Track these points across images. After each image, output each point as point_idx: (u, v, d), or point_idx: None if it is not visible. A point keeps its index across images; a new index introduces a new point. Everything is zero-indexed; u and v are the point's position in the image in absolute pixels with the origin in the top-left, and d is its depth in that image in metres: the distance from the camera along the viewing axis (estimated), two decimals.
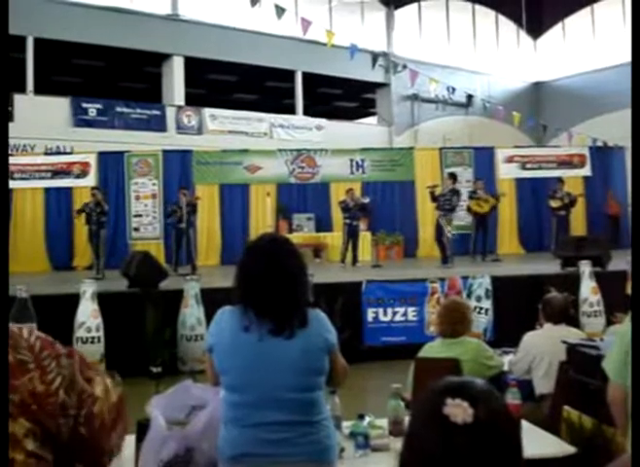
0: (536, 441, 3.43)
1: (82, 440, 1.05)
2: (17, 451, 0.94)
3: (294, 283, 2.63)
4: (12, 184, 15.10)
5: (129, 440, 3.14)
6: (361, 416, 3.45)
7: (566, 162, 17.52)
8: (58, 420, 1.01)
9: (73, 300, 8.77)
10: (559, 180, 15.01)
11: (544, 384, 4.63)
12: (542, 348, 4.72)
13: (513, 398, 3.46)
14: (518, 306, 8.97)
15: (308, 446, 2.54)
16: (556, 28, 28.18)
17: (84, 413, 1.07)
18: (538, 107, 27.56)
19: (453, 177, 13.82)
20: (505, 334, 6.22)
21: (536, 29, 28.42)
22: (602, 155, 17.92)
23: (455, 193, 13.31)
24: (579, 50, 26.72)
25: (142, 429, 2.98)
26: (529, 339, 4.89)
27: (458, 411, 1.25)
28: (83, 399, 1.07)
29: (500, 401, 1.32)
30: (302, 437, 2.53)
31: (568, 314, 5.13)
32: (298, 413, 2.55)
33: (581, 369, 4.07)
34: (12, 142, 17.73)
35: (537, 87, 28.52)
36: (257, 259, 2.65)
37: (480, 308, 9.53)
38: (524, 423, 3.50)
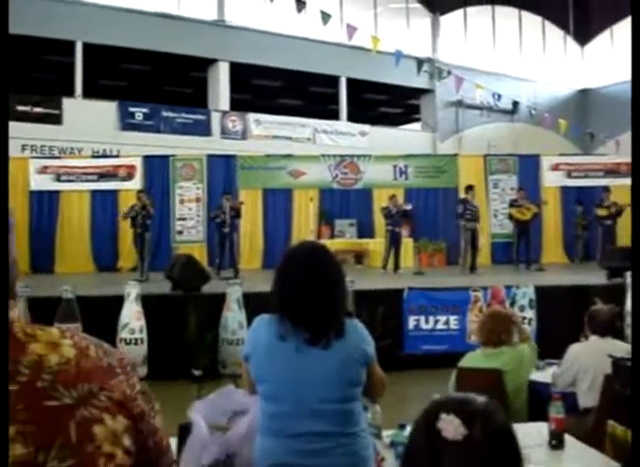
0: (579, 456, 3.38)
1: (148, 451, 1.07)
2: (118, 447, 0.96)
3: (331, 293, 2.61)
4: (59, 186, 15.39)
5: (171, 443, 3.17)
6: (402, 426, 3.43)
7: (613, 171, 17.23)
8: (141, 425, 1.03)
9: (117, 301, 8.87)
10: (606, 189, 14.79)
11: (588, 398, 4.55)
12: (587, 361, 4.64)
13: (556, 411, 3.40)
14: (563, 317, 8.84)
15: (344, 457, 2.52)
16: (604, 35, 27.81)
17: (153, 422, 1.08)
18: (585, 114, 27.21)
19: (471, 188, 13.93)
20: (548, 345, 6.12)
21: (583, 35, 28.09)
22: None
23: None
24: (627, 56, 26.28)
25: (184, 432, 3.00)
26: (574, 351, 4.81)
27: (450, 427, 1.25)
28: (152, 408, 1.09)
29: (501, 422, 1.30)
30: (338, 448, 2.51)
31: (614, 327, 5.03)
32: (334, 425, 2.52)
33: (627, 383, 4.00)
34: (60, 145, 18.10)
35: (584, 94, 28.16)
36: (295, 267, 2.63)
37: (524, 318, 9.39)
38: (567, 438, 3.45)
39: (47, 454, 0.89)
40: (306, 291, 2.57)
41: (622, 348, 4.74)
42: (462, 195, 14.27)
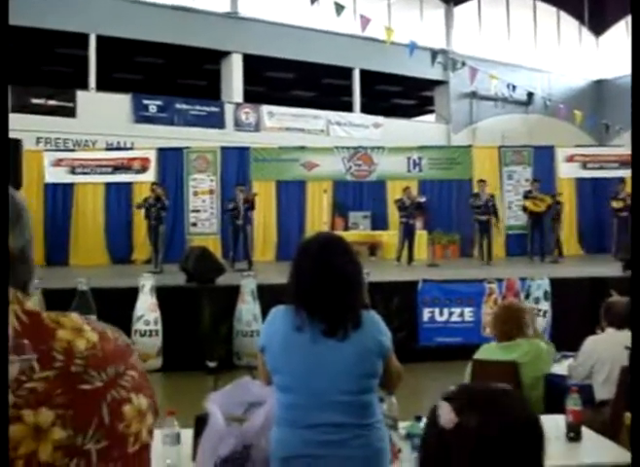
0: (596, 448, 3.38)
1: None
2: (144, 425, 0.98)
3: (348, 284, 2.60)
4: (73, 179, 15.44)
5: (187, 434, 3.19)
6: (418, 418, 3.42)
7: (628, 163, 17.03)
8: (155, 397, 1.05)
9: (132, 293, 8.93)
10: (621, 181, 14.69)
11: (604, 390, 4.54)
12: (604, 353, 4.62)
13: (573, 404, 3.39)
14: (578, 309, 8.81)
15: (360, 448, 2.52)
16: (619, 25, 27.58)
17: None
18: (600, 105, 27.03)
19: (481, 182, 14.23)
20: (563, 337, 6.11)
21: (598, 26, 27.89)
22: None
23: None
24: None
25: (200, 424, 3.01)
26: (591, 343, 4.79)
27: (443, 414, 1.25)
28: None
29: (516, 413, 1.28)
30: (354, 439, 2.51)
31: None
32: (350, 416, 2.52)
33: None
34: (74, 137, 18.16)
35: (599, 84, 27.97)
36: (310, 259, 2.62)
37: (539, 311, 9.37)
38: (584, 430, 3.44)
39: (84, 437, 0.91)
40: (322, 282, 2.56)
41: None
42: (475, 189, 14.45)
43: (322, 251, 2.63)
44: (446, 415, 1.25)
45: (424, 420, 3.42)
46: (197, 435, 2.99)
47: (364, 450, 2.52)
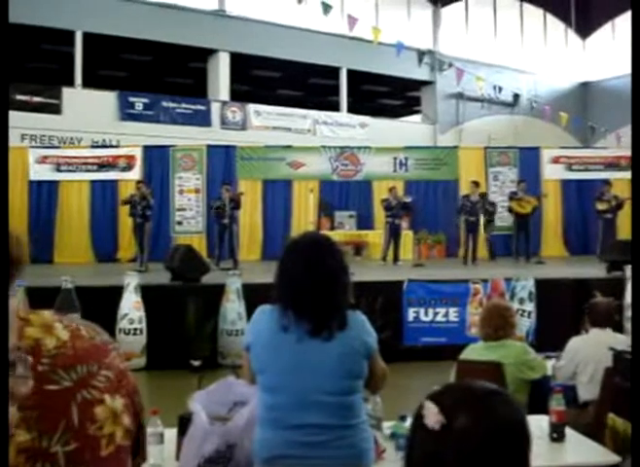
0: (580, 448, 3.39)
1: (141, 428, 1.07)
2: (118, 427, 0.96)
3: (334, 284, 2.58)
4: (58, 176, 15.36)
5: (171, 433, 3.17)
6: (402, 418, 3.43)
7: (613, 164, 17.21)
8: (136, 398, 1.03)
9: (116, 291, 8.88)
10: (606, 182, 14.76)
11: (588, 390, 4.56)
12: (587, 354, 4.64)
13: (557, 404, 3.40)
14: (562, 310, 8.86)
15: (344, 449, 2.50)
16: (606, 28, 27.74)
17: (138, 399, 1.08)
18: (585, 107, 27.17)
19: (477, 184, 14.38)
20: (547, 337, 6.14)
21: (585, 28, 28.02)
22: None
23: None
24: (628, 50, 26.24)
25: (184, 423, 3.00)
26: (575, 344, 4.81)
27: (429, 415, 1.24)
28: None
29: (504, 414, 1.26)
30: (338, 440, 2.49)
31: (614, 320, 5.04)
32: (334, 417, 2.50)
33: (627, 376, 3.99)
34: (59, 134, 18.05)
35: (585, 87, 28.11)
36: (297, 258, 2.61)
37: (523, 311, 9.41)
38: (568, 430, 3.45)
39: (50, 439, 0.89)
40: (309, 282, 2.55)
41: (623, 341, 4.74)
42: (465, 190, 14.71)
43: (310, 251, 2.62)
44: (433, 416, 1.24)
45: (409, 420, 3.42)
46: (181, 434, 2.98)
47: (348, 451, 2.51)
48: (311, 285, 2.54)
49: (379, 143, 17.89)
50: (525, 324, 9.36)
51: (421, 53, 18.02)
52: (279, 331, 2.53)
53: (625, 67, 25.82)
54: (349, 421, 2.53)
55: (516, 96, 25.22)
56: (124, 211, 13.87)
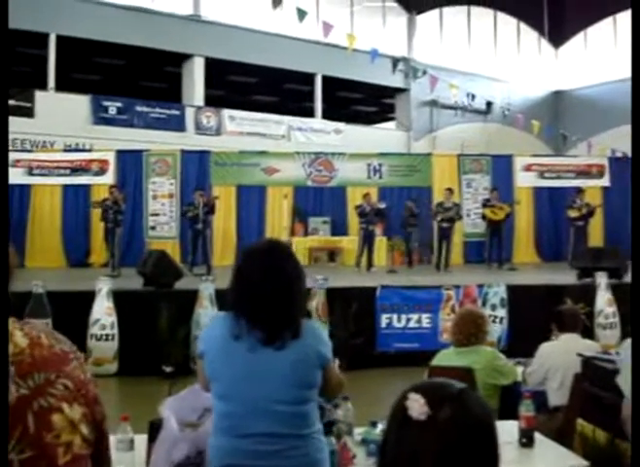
0: (549, 453, 3.41)
1: (103, 437, 1.06)
2: (76, 435, 0.95)
3: (289, 292, 2.54)
4: (30, 180, 15.22)
5: (141, 439, 3.15)
6: (373, 423, 3.44)
7: (585, 172, 17.41)
8: (97, 407, 1.02)
9: (88, 297, 8.82)
10: (578, 190, 14.92)
11: (558, 396, 4.60)
12: (557, 360, 4.68)
13: (526, 410, 3.43)
14: (533, 316, 8.89)
15: (297, 459, 2.47)
16: (578, 37, 28.08)
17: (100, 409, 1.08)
18: (558, 116, 27.45)
19: (451, 191, 14.54)
20: (519, 343, 6.19)
21: (558, 38, 28.33)
22: (621, 165, 17.73)
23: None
24: (600, 59, 26.58)
25: (154, 429, 2.98)
26: (544, 349, 4.85)
27: (415, 405, 1.26)
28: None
29: (478, 412, 1.30)
30: (291, 450, 2.46)
31: (581, 325, 5.10)
32: (287, 426, 2.47)
33: (596, 382, 4.04)
34: (31, 138, 17.88)
35: (557, 95, 28.41)
36: (251, 265, 2.57)
37: (495, 317, 9.48)
38: (537, 436, 3.48)
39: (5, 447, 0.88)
40: (263, 290, 2.51)
41: (592, 347, 4.80)
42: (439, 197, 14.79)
43: (264, 257, 2.58)
44: (419, 407, 1.26)
45: (380, 426, 3.44)
46: (151, 440, 2.96)
47: (300, 461, 2.48)
48: (270, 293, 2.50)
49: (354, 149, 17.93)
50: (497, 330, 9.43)
51: (396, 61, 18.11)
52: (231, 339, 2.50)
53: (597, 77, 26.20)
54: (303, 431, 2.50)
55: (490, 104, 25.44)
56: (96, 216, 13.77)
